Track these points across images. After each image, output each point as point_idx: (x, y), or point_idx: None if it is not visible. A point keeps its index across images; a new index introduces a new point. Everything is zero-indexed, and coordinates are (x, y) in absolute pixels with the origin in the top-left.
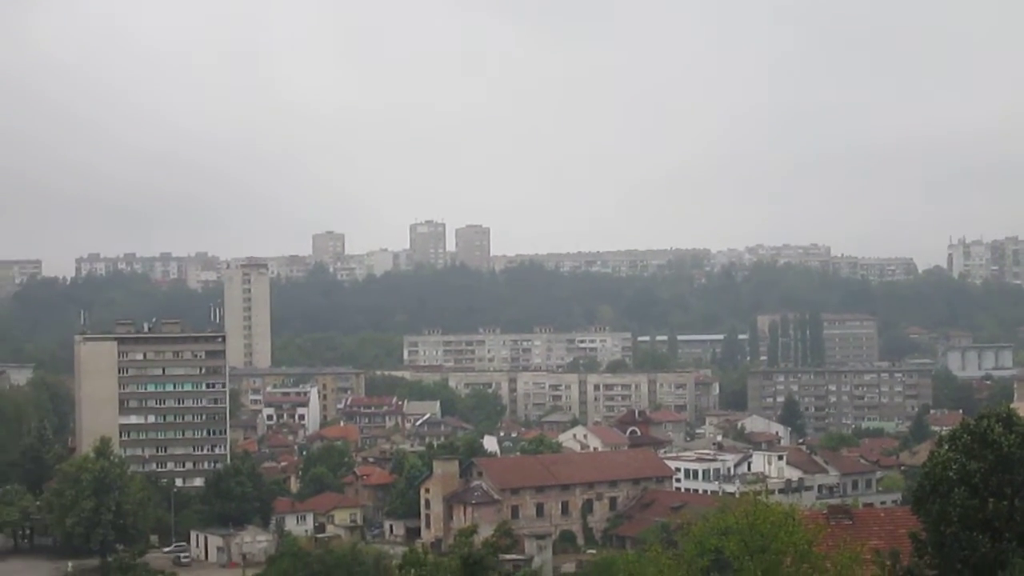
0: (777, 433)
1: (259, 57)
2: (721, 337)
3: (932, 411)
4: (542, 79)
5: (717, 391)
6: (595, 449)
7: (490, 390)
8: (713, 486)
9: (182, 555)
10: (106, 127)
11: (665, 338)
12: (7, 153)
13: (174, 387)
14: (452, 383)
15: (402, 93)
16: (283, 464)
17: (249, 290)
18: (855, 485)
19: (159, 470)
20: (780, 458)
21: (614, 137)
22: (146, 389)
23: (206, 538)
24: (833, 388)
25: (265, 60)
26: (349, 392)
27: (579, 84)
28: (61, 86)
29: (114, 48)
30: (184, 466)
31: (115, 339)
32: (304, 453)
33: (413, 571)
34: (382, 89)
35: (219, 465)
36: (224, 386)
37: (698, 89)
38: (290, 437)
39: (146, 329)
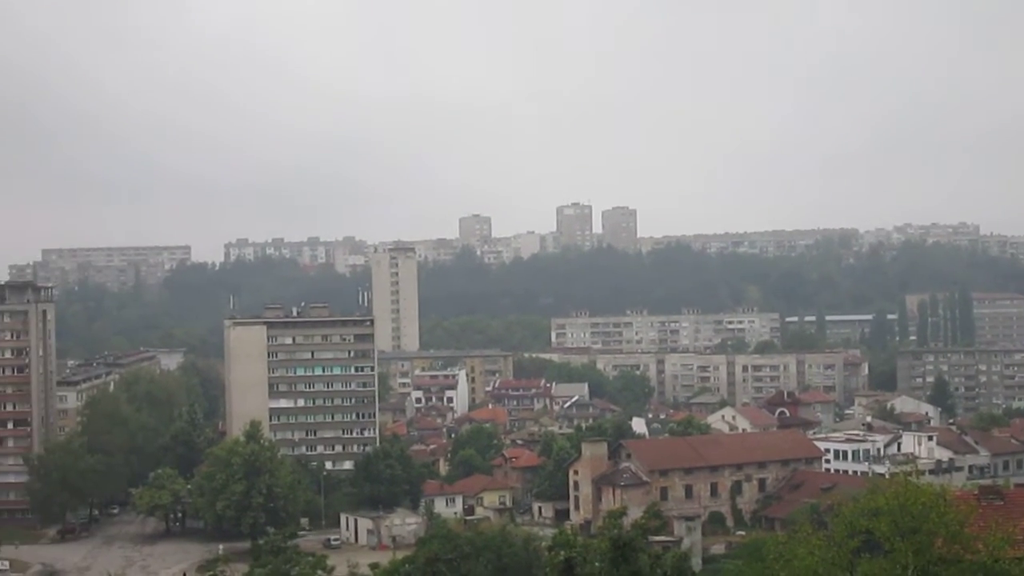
0: (927, 413)
1: (407, 43)
2: (870, 317)
3: None
4: (690, 60)
5: (866, 371)
6: (744, 430)
7: (638, 372)
8: (863, 467)
9: (332, 538)
10: (256, 113)
11: (813, 318)
12: (157, 140)
13: (323, 371)
14: (600, 365)
15: (549, 77)
16: (432, 447)
17: (397, 274)
18: (1006, 466)
19: (309, 453)
20: (930, 439)
21: (761, 119)
22: (295, 373)
23: (356, 521)
24: (983, 368)
25: (411, 46)
26: (497, 374)
27: (727, 65)
28: (213, 71)
29: (264, 30)
30: (333, 449)
31: (264, 323)
32: (453, 436)
33: (563, 552)
34: (529, 73)
35: (368, 448)
36: (373, 369)
37: (850, 70)
38: (439, 420)
39: (295, 313)
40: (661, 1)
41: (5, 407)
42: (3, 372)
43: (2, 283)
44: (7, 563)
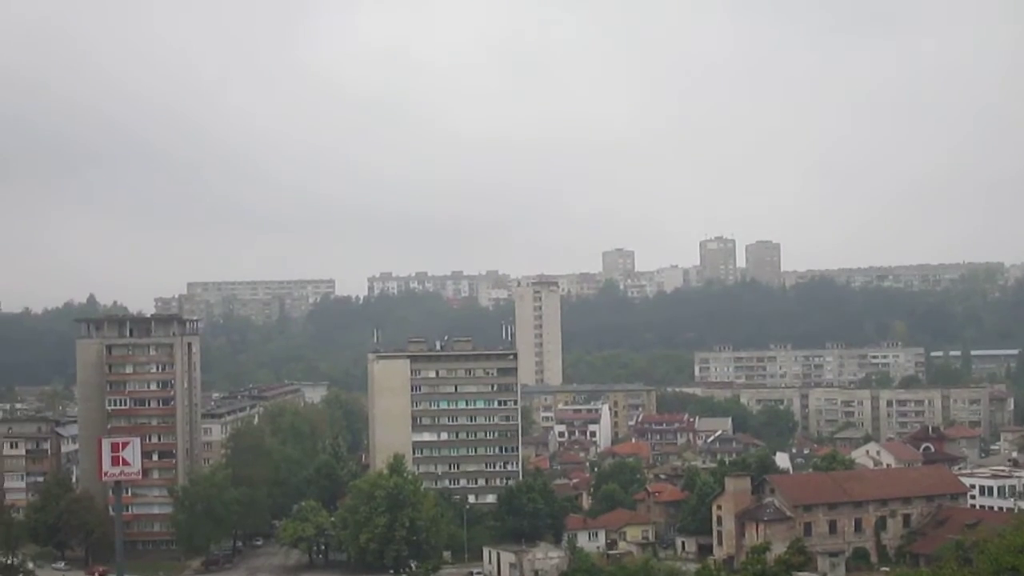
0: None
1: (546, 76)
2: (1016, 352)
3: None
4: (836, 92)
5: (1012, 406)
6: (888, 465)
7: (782, 406)
8: (1008, 503)
9: (474, 571)
10: (397, 147)
11: (959, 353)
12: (302, 174)
13: (466, 404)
14: (744, 399)
15: (692, 110)
16: (575, 481)
17: (540, 307)
18: None
19: (452, 487)
20: None
21: (904, 152)
22: (438, 406)
23: (498, 554)
24: None
25: (553, 83)
26: (640, 409)
27: (874, 98)
28: (359, 109)
29: (396, 66)
30: (476, 483)
31: (408, 357)
32: (596, 470)
33: None
34: (672, 107)
35: (511, 482)
36: (516, 403)
37: (995, 104)
38: (581, 454)
39: (438, 347)
40: (807, 34)
41: (150, 439)
42: (149, 404)
43: (148, 316)
44: None
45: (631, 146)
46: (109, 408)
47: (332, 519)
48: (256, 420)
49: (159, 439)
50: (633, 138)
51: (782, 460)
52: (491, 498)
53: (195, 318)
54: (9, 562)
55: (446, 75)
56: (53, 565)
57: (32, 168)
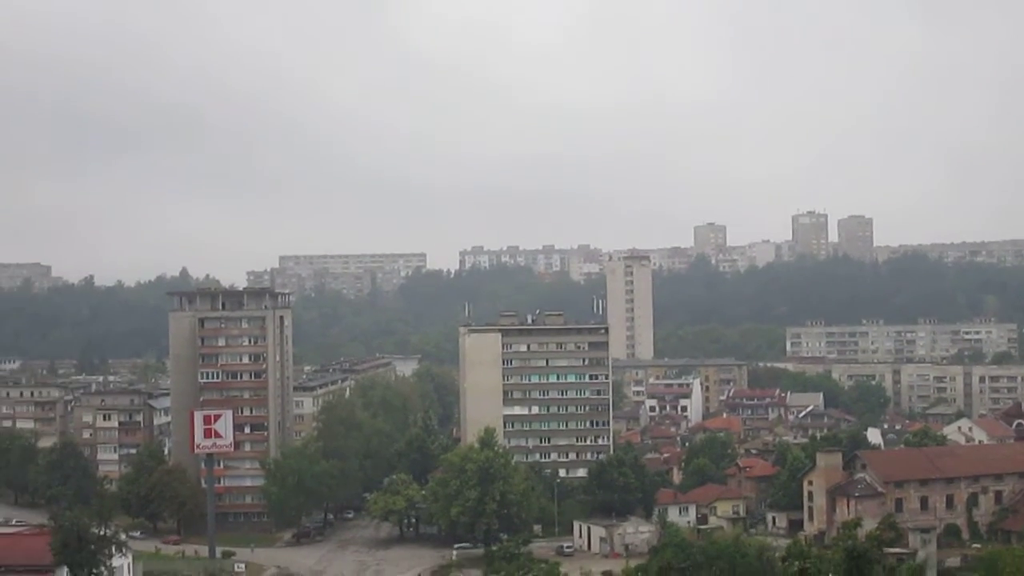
0: None
1: (640, 54)
2: None
3: None
4: (933, 66)
5: None
6: (980, 442)
7: (873, 382)
8: None
9: (565, 545)
10: (488, 123)
11: None
12: (395, 149)
13: (557, 378)
14: (835, 375)
15: (785, 85)
16: (665, 455)
17: (631, 282)
18: None
19: (542, 460)
20: None
21: (1001, 126)
22: (529, 380)
23: (589, 528)
24: None
25: (644, 57)
26: (731, 383)
27: (971, 71)
28: (450, 83)
29: (485, 38)
30: (567, 456)
31: (499, 331)
32: (686, 444)
33: (796, 563)
34: (765, 82)
35: (602, 456)
36: (607, 377)
37: None
38: (672, 428)
39: (529, 321)
40: (907, 7)
41: (243, 412)
42: (241, 377)
43: (241, 289)
44: (243, 566)
45: (722, 121)
46: (201, 381)
47: (423, 492)
48: (347, 393)
49: (251, 412)
50: (724, 113)
51: (873, 436)
52: (582, 472)
53: (287, 291)
54: (102, 533)
55: (537, 47)
56: (130, 533)
57: (128, 143)
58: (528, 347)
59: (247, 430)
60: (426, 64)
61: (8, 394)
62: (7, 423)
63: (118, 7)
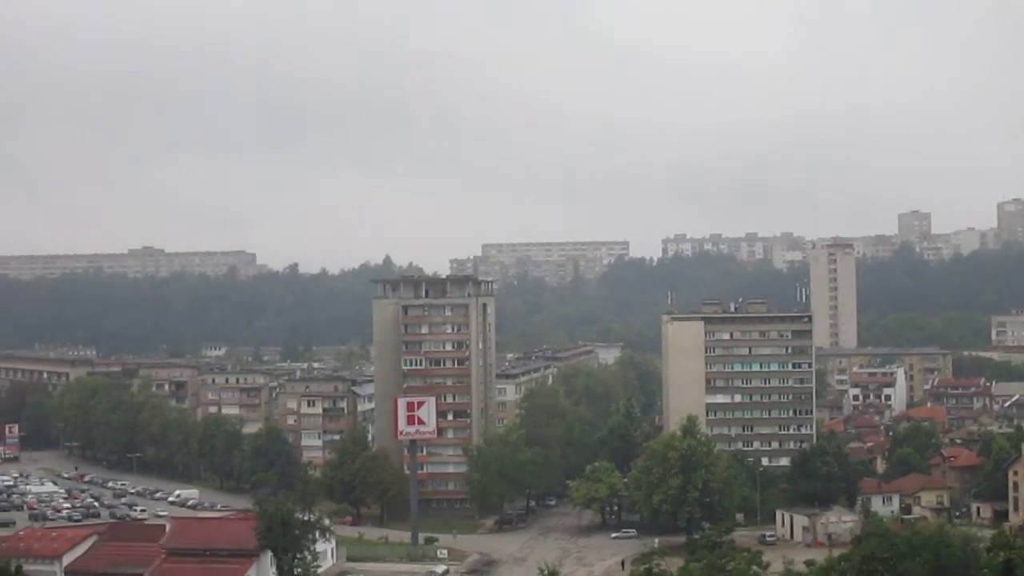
0: None
1: (841, 43)
2: None
3: None
4: None
5: None
6: None
7: None
8: None
9: (767, 534)
10: (696, 110)
11: None
12: (595, 136)
13: (760, 367)
14: None
15: (986, 71)
16: (869, 444)
17: (835, 270)
18: None
19: (745, 449)
20: None
21: None
22: (732, 368)
23: (791, 517)
24: None
25: (845, 46)
26: (936, 373)
27: None
28: (648, 73)
29: (691, 32)
30: (770, 445)
31: (702, 319)
32: (890, 434)
33: (1002, 554)
34: (967, 68)
35: (805, 445)
36: (810, 366)
37: None
38: (876, 418)
39: (732, 309)
40: None
41: (446, 398)
42: (444, 364)
43: (444, 277)
44: (445, 552)
45: (927, 108)
46: (405, 368)
47: (625, 480)
48: (550, 381)
49: (454, 399)
50: (928, 100)
51: None
52: (784, 461)
53: (490, 279)
54: (306, 518)
55: (738, 34)
56: (333, 518)
57: (331, 132)
58: (731, 335)
59: (450, 417)
60: (628, 52)
61: (214, 380)
62: (213, 409)
63: None
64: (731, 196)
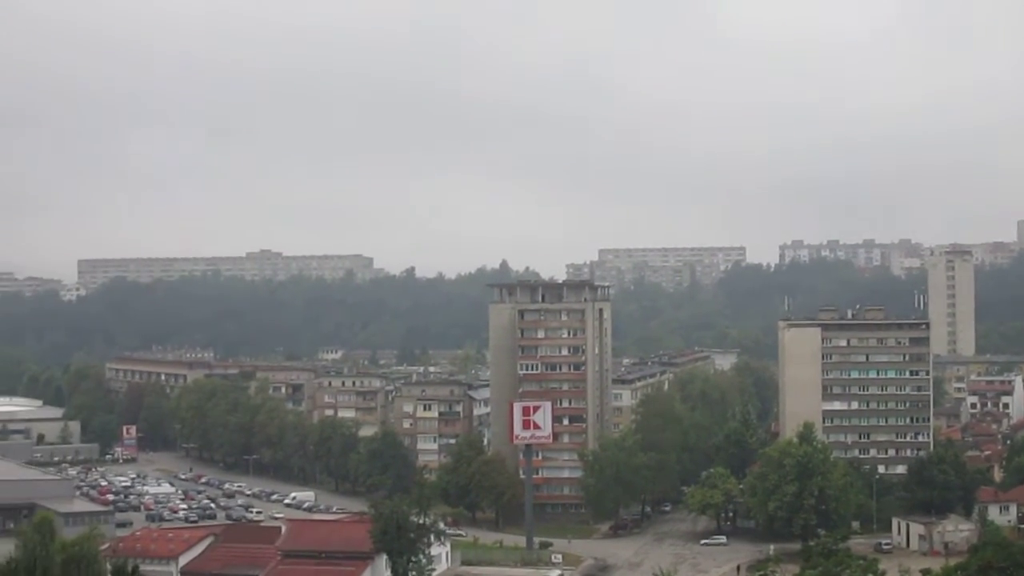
0: None
1: (937, 43)
2: None
3: None
4: None
5: None
6: None
7: None
8: None
9: (883, 542)
10: (806, 111)
11: None
12: (708, 139)
13: (877, 374)
14: None
15: None
16: (986, 453)
17: (953, 277)
18: None
19: (861, 456)
20: None
21: None
22: (849, 375)
23: (907, 525)
24: None
25: (970, 47)
26: None
27: None
28: (758, 72)
29: (801, 35)
30: (886, 453)
31: (818, 325)
32: (1008, 442)
33: None
34: None
35: (922, 453)
36: (928, 373)
37: None
38: (994, 426)
39: (849, 316)
40: None
41: (561, 403)
42: (560, 369)
43: (560, 282)
44: (560, 556)
45: None
46: (521, 372)
47: (740, 486)
48: (666, 386)
49: (570, 403)
50: None
51: None
52: (900, 468)
53: (606, 284)
54: (421, 522)
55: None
56: (447, 522)
57: (448, 137)
58: (848, 342)
59: (566, 422)
60: (741, 51)
61: (330, 384)
62: (329, 412)
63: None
64: (849, 202)
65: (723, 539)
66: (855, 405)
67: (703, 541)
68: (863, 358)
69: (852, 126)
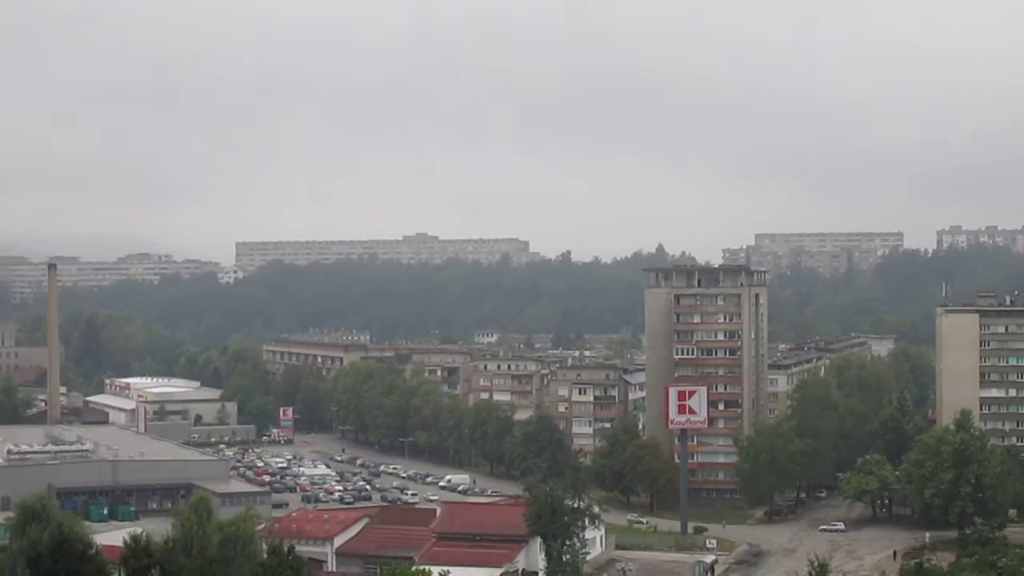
0: None
1: None
2: None
3: None
4: None
5: None
6: None
7: None
8: None
9: None
10: (951, 95)
11: None
12: (863, 125)
13: None
14: None
15: None
16: None
17: None
18: None
19: (1019, 444)
20: None
21: None
22: (1007, 362)
23: None
24: None
25: None
26: None
27: None
28: (896, 59)
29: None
30: None
31: (977, 311)
32: None
33: None
34: None
35: None
36: None
37: None
38: None
39: (1008, 302)
40: None
41: (717, 388)
42: (716, 354)
43: (716, 266)
44: (714, 542)
45: None
46: (676, 357)
47: (896, 473)
48: (822, 372)
49: (725, 388)
50: None
51: None
52: None
53: (763, 269)
54: (576, 506)
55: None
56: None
57: (606, 119)
58: (1006, 329)
59: (721, 407)
60: (908, 46)
61: (486, 367)
62: (484, 395)
63: None
64: (1008, 187)
65: (841, 526)
66: (1013, 392)
67: (822, 527)
68: (1022, 345)
69: (1010, 115)
